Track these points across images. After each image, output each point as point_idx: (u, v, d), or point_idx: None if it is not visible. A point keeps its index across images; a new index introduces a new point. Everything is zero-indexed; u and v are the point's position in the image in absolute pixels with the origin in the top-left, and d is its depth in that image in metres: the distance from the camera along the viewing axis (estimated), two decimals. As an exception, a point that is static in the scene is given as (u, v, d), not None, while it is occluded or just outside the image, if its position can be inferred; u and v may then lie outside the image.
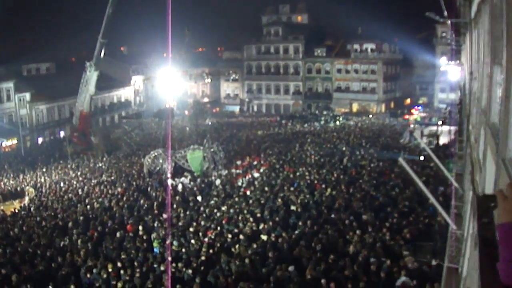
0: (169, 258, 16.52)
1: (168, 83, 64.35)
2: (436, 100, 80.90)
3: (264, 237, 21.06)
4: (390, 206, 24.25)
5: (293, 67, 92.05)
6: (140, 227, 24.02)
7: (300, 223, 22.72)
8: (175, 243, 21.17)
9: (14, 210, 32.88)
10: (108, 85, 78.84)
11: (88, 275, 18.68)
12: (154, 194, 32.11)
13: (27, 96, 66.13)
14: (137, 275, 18.04)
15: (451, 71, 52.82)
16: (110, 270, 18.57)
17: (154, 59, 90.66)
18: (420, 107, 79.26)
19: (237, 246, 20.30)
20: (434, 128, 56.33)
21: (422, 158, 36.68)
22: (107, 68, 67.64)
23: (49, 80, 75.18)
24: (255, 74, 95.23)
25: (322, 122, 70.16)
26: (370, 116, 77.79)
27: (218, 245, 20.56)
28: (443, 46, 75.56)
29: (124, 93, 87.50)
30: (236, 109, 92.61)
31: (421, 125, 64.61)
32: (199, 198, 29.95)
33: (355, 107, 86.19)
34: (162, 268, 18.32)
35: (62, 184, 38.52)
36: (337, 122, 70.71)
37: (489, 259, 2.81)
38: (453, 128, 34.74)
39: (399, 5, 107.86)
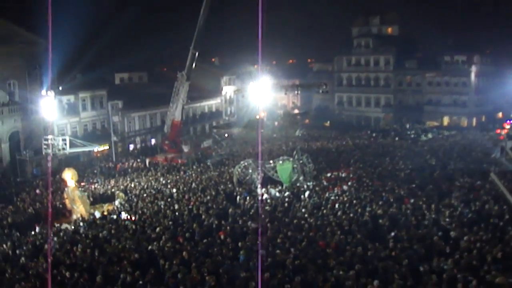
0: (259, 267, 16.31)
1: (259, 94, 64.44)
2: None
3: (351, 250, 20.48)
4: (480, 223, 23.10)
5: (383, 79, 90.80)
6: (228, 235, 23.97)
7: (388, 237, 22.09)
8: (260, 252, 20.91)
9: (103, 212, 33.53)
10: (200, 95, 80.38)
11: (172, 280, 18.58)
12: (242, 203, 32.09)
13: (120, 104, 68.14)
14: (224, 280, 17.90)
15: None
16: (194, 275, 18.41)
17: (245, 70, 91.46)
18: None
19: (323, 258, 19.83)
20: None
21: None
22: (198, 78, 68.78)
23: (141, 89, 77.76)
24: (345, 86, 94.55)
25: (413, 136, 68.52)
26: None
27: (305, 256, 20.13)
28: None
29: (215, 103, 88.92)
30: (327, 121, 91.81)
31: None
32: (287, 209, 29.67)
33: (445, 120, 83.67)
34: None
35: (151, 190, 39.15)
36: (428, 136, 68.93)
37: None
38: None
39: (491, 15, 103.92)
